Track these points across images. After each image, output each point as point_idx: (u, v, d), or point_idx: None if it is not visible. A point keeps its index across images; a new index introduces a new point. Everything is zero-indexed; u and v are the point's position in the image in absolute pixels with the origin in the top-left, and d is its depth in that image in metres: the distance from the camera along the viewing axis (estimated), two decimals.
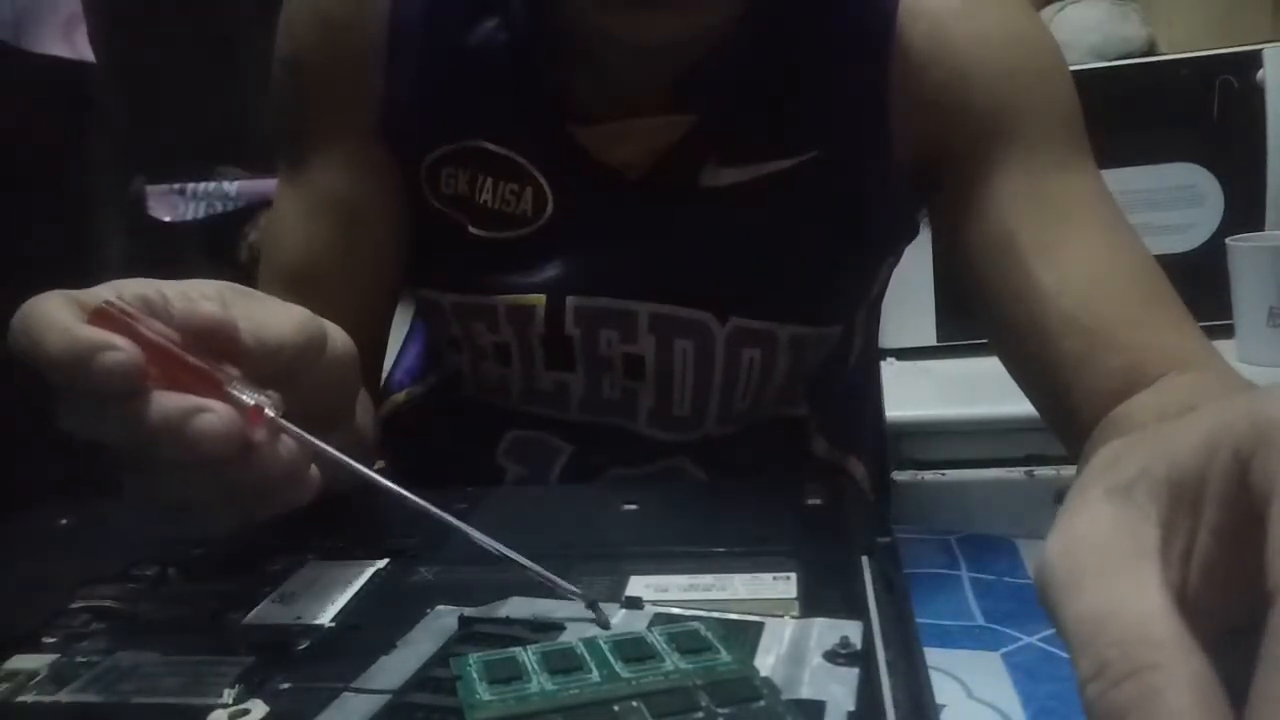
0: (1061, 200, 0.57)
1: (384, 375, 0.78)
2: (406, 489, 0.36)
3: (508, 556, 0.34)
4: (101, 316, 0.34)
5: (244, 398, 0.35)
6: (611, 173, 0.60)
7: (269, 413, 0.36)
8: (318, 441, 0.37)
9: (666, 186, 0.60)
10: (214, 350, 0.36)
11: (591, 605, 0.33)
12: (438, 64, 0.61)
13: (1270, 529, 0.19)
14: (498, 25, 0.60)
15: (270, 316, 0.39)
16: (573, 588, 0.34)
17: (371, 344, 0.66)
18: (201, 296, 0.38)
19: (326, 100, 0.62)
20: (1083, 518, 0.23)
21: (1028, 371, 0.57)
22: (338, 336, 0.44)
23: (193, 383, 0.35)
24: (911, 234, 0.69)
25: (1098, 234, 0.56)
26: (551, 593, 0.35)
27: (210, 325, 0.36)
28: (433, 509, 0.35)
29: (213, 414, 0.34)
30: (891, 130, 0.59)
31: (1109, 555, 0.22)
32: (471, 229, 0.61)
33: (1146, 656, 0.20)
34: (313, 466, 0.38)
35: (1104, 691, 0.20)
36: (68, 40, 1.17)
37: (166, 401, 0.34)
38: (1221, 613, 0.21)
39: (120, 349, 0.33)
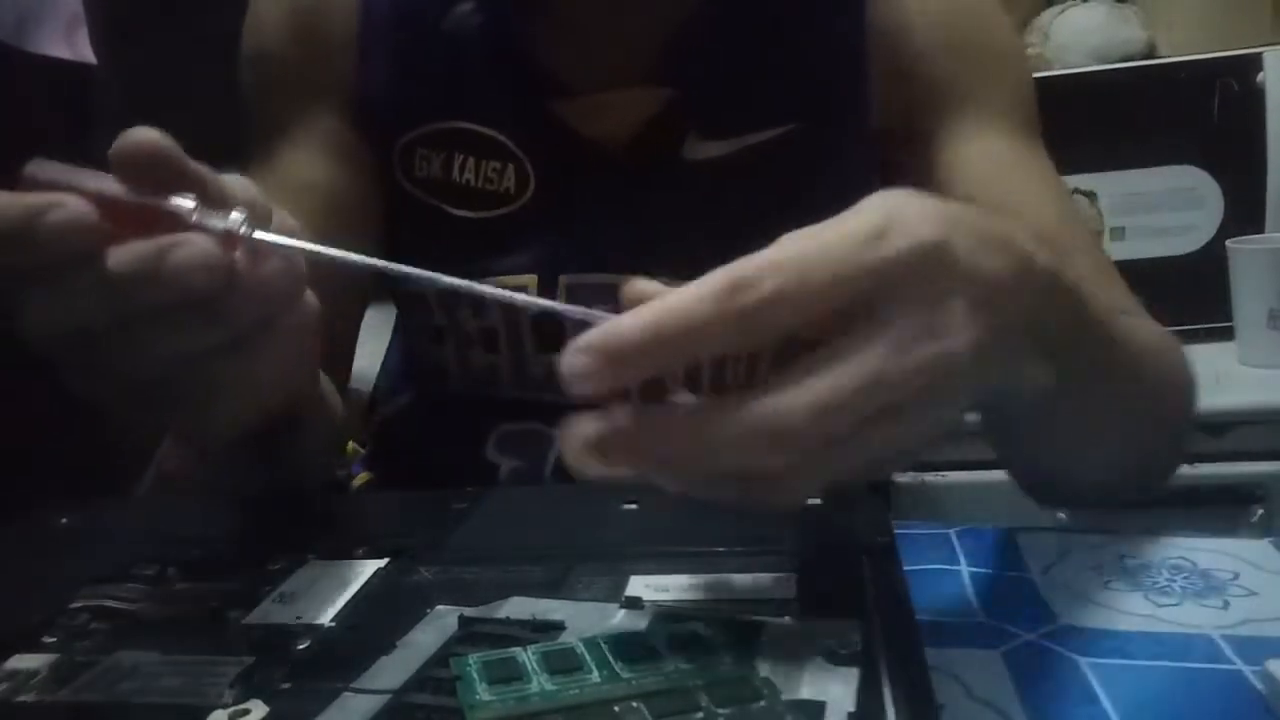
0: (1017, 168, 0.60)
1: (372, 386, 0.78)
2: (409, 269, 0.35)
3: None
4: (32, 184, 0.31)
5: (213, 223, 0.32)
6: (593, 147, 0.60)
7: (243, 231, 0.33)
8: (304, 244, 0.34)
9: (650, 160, 0.61)
10: (162, 186, 0.33)
11: None
12: (410, 48, 0.61)
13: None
14: (473, 8, 0.61)
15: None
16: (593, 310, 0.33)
17: (341, 337, 0.66)
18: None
19: (297, 90, 0.63)
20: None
21: None
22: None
23: (151, 225, 0.32)
24: None
25: (1049, 204, 0.60)
26: (552, 593, 0.35)
27: (149, 153, 0.32)
28: (442, 278, 0.36)
29: (187, 245, 0.31)
30: (870, 100, 0.61)
31: None
32: (452, 210, 0.62)
33: None
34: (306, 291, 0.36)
35: None
36: (68, 41, 1.17)
37: (133, 247, 0.31)
38: None
39: (64, 204, 0.30)
